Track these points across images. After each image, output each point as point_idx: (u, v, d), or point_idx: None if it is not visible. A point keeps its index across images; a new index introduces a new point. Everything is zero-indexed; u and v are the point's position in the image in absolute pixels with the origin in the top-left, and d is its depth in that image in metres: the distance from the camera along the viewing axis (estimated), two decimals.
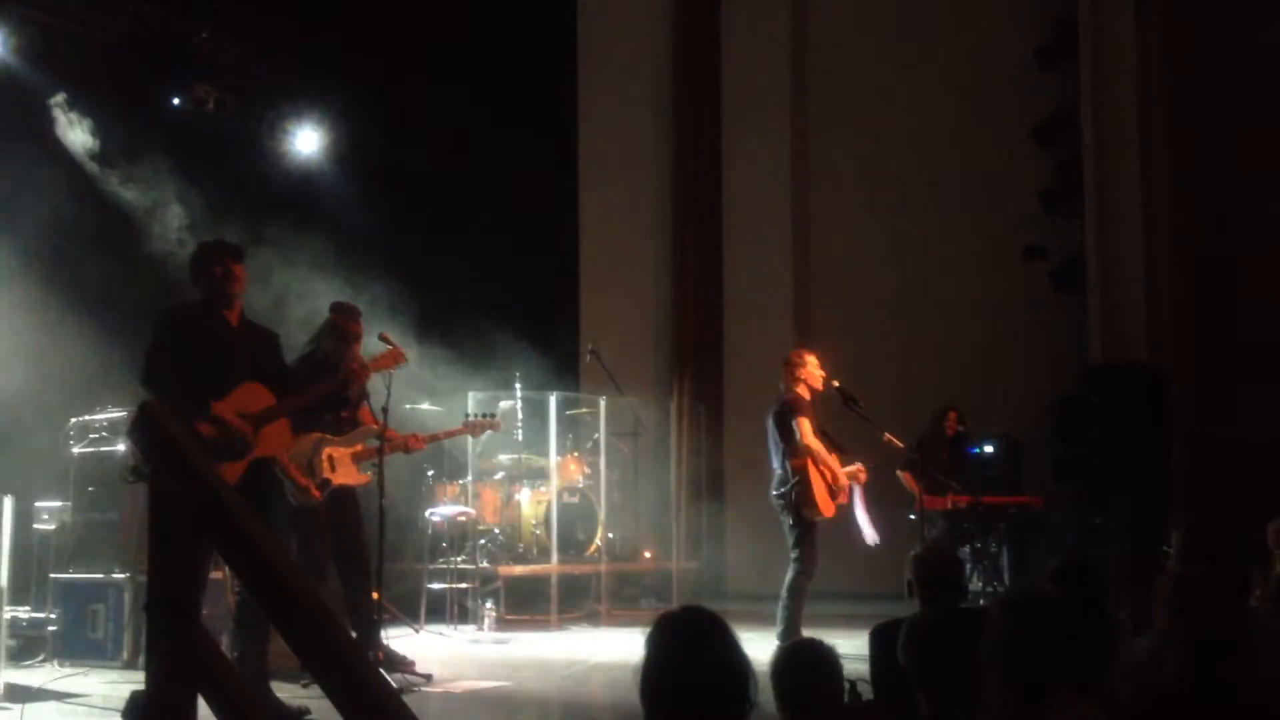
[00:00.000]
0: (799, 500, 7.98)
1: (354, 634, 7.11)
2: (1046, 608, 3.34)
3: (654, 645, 3.04)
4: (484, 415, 9.16)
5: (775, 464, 8.19)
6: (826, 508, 8.07)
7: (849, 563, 10.96)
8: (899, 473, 10.42)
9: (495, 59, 12.72)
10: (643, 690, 3.01)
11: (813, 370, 8.33)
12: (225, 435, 6.00)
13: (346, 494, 7.44)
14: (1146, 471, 10.95)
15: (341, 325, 7.45)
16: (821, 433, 8.27)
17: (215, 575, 7.41)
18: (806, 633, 7.75)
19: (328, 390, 6.91)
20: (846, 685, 3.86)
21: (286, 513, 7.21)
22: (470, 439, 10.75)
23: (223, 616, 7.08)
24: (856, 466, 8.36)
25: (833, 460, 8.15)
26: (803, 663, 3.74)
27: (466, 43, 12.51)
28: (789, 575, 8.11)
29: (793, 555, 8.12)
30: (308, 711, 6.08)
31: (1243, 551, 4.61)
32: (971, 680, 3.38)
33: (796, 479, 8.00)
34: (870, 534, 8.96)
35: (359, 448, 7.48)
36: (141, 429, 3.35)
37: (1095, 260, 12.15)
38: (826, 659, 3.75)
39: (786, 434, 8.10)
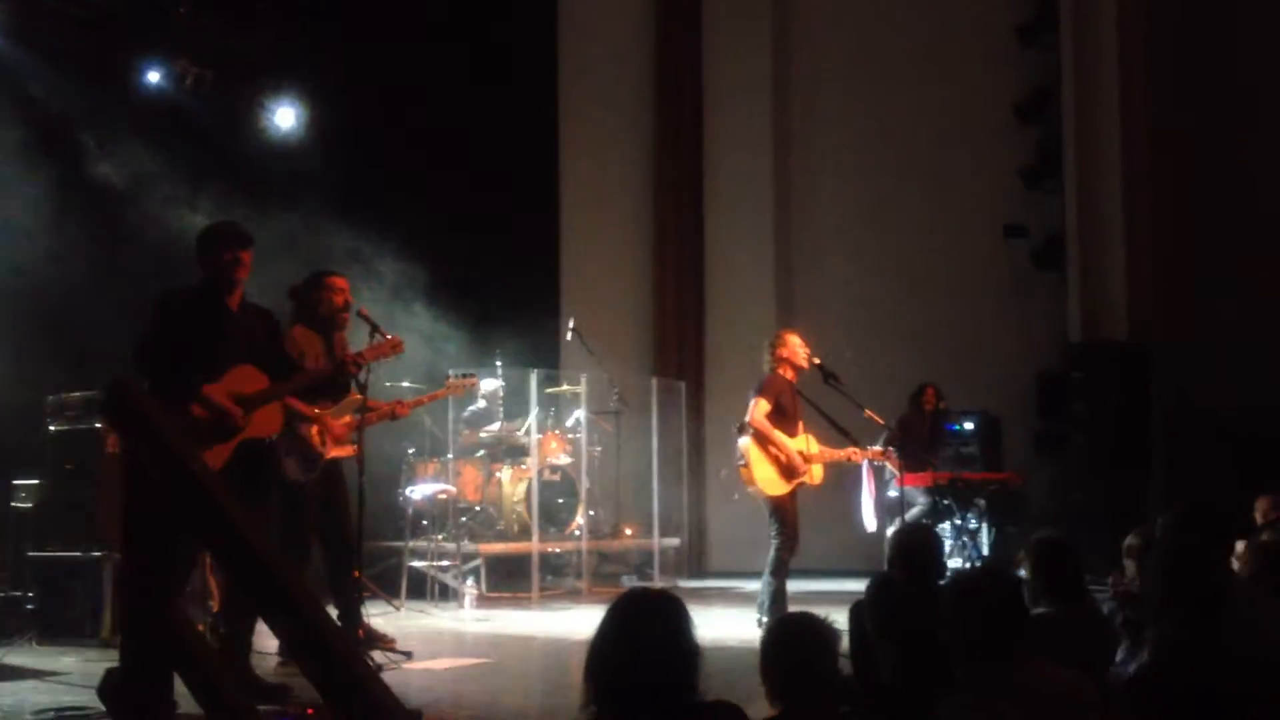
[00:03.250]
0: (742, 475, 8.32)
1: (336, 611, 7.12)
2: (985, 583, 3.52)
3: (604, 625, 3.06)
4: (463, 375, 9.07)
5: None
6: (768, 486, 8.25)
7: (829, 540, 11.02)
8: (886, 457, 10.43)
9: (476, 38, 12.65)
10: (588, 667, 3.02)
11: (795, 350, 8.40)
12: (215, 416, 6.00)
13: (335, 469, 7.41)
14: (1126, 449, 11.00)
15: (335, 301, 7.43)
16: (823, 415, 8.44)
17: None
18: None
19: (322, 375, 6.88)
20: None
21: (279, 490, 7.21)
22: (451, 414, 10.78)
23: (200, 595, 7.06)
24: (851, 450, 8.53)
25: (801, 441, 8.29)
26: (797, 638, 3.72)
27: (446, 21, 12.43)
28: (770, 552, 8.22)
29: (770, 532, 8.24)
30: (290, 689, 6.08)
31: (1227, 529, 4.66)
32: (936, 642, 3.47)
33: (740, 457, 8.31)
34: (869, 519, 9.06)
35: (348, 419, 7.46)
36: (113, 406, 3.33)
37: (1076, 238, 12.17)
38: (821, 633, 3.73)
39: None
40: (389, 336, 7.23)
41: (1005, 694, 3.26)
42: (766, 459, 8.25)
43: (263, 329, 6.49)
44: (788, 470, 8.26)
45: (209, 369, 6.08)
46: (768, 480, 8.24)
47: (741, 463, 8.33)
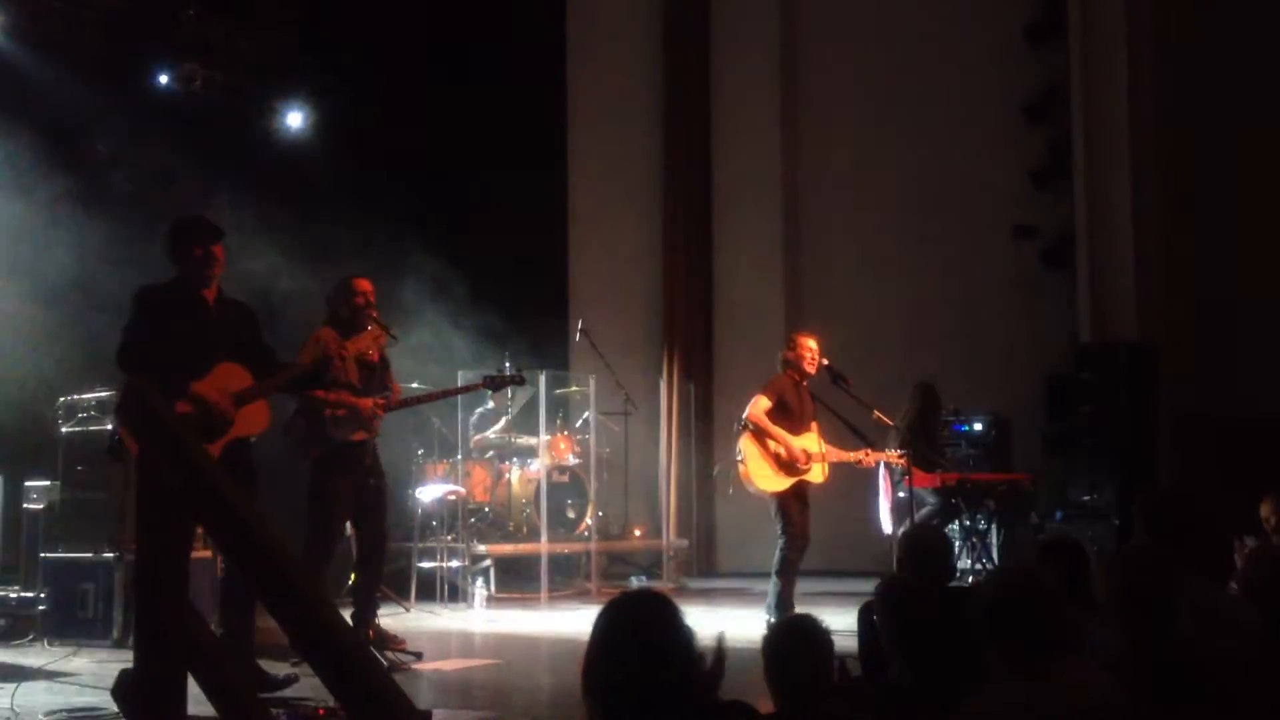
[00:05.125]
0: (741, 475, 8.36)
1: (351, 610, 7.19)
2: (1034, 579, 3.46)
3: (595, 632, 3.05)
4: (509, 372, 8.82)
5: None
6: (764, 482, 8.30)
7: (838, 540, 11.01)
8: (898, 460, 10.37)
9: (486, 38, 12.66)
10: (585, 673, 3.01)
11: (803, 354, 8.44)
12: (205, 414, 5.99)
13: (365, 464, 7.42)
14: (1135, 449, 10.99)
15: (356, 301, 7.46)
16: (838, 417, 8.48)
17: (204, 554, 7.46)
18: (796, 609, 7.84)
19: (304, 371, 6.84)
20: (835, 662, 3.88)
21: (310, 485, 7.31)
22: (460, 415, 10.80)
23: (212, 594, 7.09)
24: (861, 453, 8.55)
25: (807, 439, 8.31)
26: (794, 640, 3.77)
27: (456, 21, 12.45)
28: (776, 551, 8.22)
29: (776, 530, 8.25)
30: (295, 678, 6.10)
31: (1203, 522, 4.63)
32: (951, 647, 3.46)
33: (738, 454, 8.35)
34: (886, 523, 9.07)
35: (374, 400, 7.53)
36: (129, 408, 3.35)
37: (1085, 238, 12.16)
38: (818, 636, 3.78)
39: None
40: (370, 328, 7.23)
41: (1043, 698, 3.23)
42: (763, 455, 8.28)
43: (242, 322, 6.48)
44: (787, 466, 8.28)
45: (194, 367, 6.08)
46: (763, 476, 8.28)
47: (740, 459, 8.36)
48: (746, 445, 8.29)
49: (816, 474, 8.43)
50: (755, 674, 3.79)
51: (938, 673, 3.62)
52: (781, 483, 8.29)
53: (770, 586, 8.26)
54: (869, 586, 4.64)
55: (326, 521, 7.29)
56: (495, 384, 8.71)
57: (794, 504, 8.31)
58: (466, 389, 8.97)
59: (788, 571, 8.23)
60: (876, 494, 9.70)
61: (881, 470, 8.97)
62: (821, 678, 3.72)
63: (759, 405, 8.31)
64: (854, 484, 9.37)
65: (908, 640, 3.96)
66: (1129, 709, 3.33)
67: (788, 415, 8.34)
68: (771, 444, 8.28)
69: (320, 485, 7.28)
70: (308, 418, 7.31)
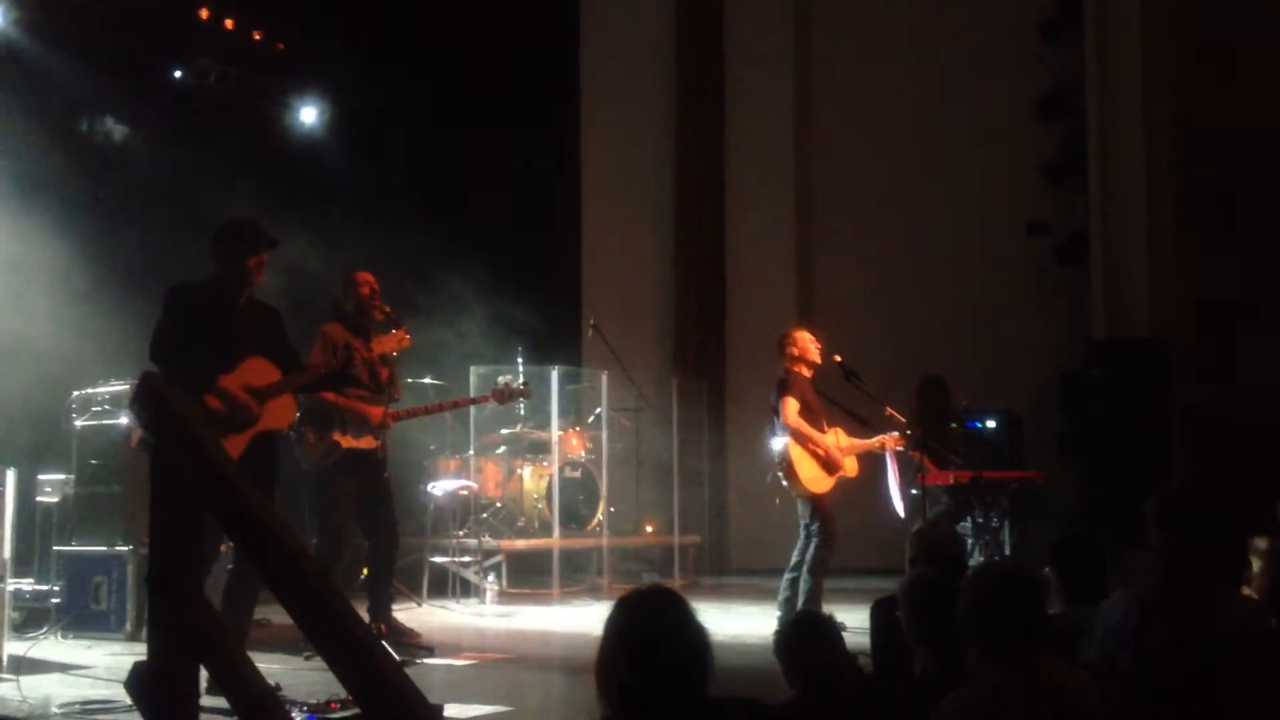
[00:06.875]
0: (786, 477, 8.19)
1: (366, 604, 7.23)
2: (1008, 578, 3.53)
3: (608, 629, 3.05)
4: (516, 384, 9.08)
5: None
6: (815, 484, 8.20)
7: (850, 538, 10.98)
8: (912, 454, 10.33)
9: (498, 33, 12.67)
10: (598, 669, 3.01)
11: (807, 346, 8.36)
12: (230, 408, 6.07)
13: (364, 461, 7.46)
14: (1147, 447, 10.95)
15: (361, 293, 7.49)
16: (838, 406, 8.42)
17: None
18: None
19: (331, 368, 6.94)
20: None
21: (315, 483, 7.37)
22: (473, 410, 10.80)
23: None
24: (883, 438, 8.49)
25: (832, 435, 8.26)
26: (809, 636, 3.80)
27: (468, 15, 12.45)
28: (811, 551, 8.13)
29: (812, 531, 8.15)
30: (278, 687, 6.11)
31: (1221, 523, 4.62)
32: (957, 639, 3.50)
33: (780, 460, 8.19)
34: (898, 506, 9.03)
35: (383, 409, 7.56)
36: (144, 401, 3.35)
37: (1098, 235, 12.12)
38: (830, 631, 3.79)
39: (777, 413, 8.26)
40: (396, 330, 7.34)
41: (1015, 692, 3.26)
42: (809, 457, 8.18)
43: (270, 323, 6.54)
44: (828, 465, 8.24)
45: (223, 362, 6.15)
46: (813, 479, 8.17)
47: (781, 466, 8.25)
48: (792, 450, 8.14)
49: (851, 467, 8.41)
50: (767, 670, 3.80)
51: (963, 663, 3.63)
52: (827, 483, 8.24)
53: (801, 585, 8.07)
54: (878, 584, 4.64)
55: (335, 520, 7.33)
56: (502, 397, 8.86)
57: (829, 503, 8.26)
58: (474, 400, 9.11)
59: (821, 572, 8.14)
60: (885, 482, 9.62)
61: (889, 455, 8.90)
62: (838, 672, 3.74)
63: (791, 408, 8.16)
64: (861, 478, 9.33)
65: (934, 632, 3.95)
66: (1106, 705, 3.34)
67: (810, 413, 8.27)
68: (811, 445, 8.22)
69: (326, 486, 7.34)
70: (314, 426, 7.35)
